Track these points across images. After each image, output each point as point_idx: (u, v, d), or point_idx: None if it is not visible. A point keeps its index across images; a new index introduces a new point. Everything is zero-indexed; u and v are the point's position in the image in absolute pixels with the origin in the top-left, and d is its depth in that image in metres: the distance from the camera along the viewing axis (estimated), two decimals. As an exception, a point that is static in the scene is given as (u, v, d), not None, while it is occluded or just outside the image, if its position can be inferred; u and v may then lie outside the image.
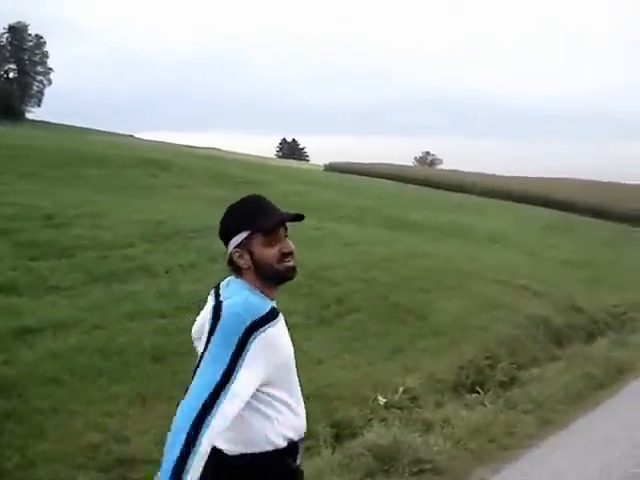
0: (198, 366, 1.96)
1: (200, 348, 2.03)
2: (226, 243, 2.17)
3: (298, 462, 2.17)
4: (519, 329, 8.37)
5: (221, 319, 1.99)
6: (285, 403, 2.10)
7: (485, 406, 5.53)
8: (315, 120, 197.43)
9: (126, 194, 15.18)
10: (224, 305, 2.03)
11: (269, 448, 2.06)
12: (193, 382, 1.92)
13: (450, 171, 49.65)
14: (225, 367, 1.91)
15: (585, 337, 9.26)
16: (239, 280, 2.14)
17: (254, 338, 1.96)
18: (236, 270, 2.15)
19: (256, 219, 2.10)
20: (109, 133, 69.31)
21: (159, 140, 61.43)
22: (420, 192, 33.88)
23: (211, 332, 1.98)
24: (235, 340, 1.94)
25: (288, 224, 2.17)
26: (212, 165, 24.82)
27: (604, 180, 42.77)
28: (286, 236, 2.16)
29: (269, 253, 2.09)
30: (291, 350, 2.15)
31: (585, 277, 16.30)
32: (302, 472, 2.22)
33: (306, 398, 2.29)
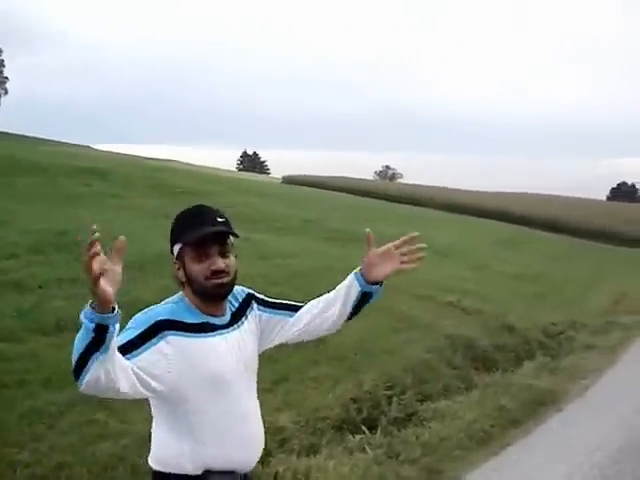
0: None
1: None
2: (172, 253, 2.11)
3: None
4: (433, 352, 7.42)
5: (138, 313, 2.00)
6: (199, 427, 1.98)
7: (366, 453, 4.53)
8: (278, 134, 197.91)
9: (46, 202, 14.27)
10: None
11: (175, 471, 1.97)
12: None
13: (409, 185, 49.38)
14: (131, 338, 1.91)
15: (513, 360, 8.33)
16: (180, 294, 2.09)
17: (163, 337, 1.93)
18: (179, 284, 2.10)
19: (187, 231, 2.02)
20: (65, 144, 67.56)
21: (115, 152, 60.06)
22: (374, 205, 33.17)
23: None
24: (144, 327, 1.94)
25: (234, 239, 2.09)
26: (156, 175, 23.92)
27: (562, 195, 42.83)
28: (225, 253, 2.05)
29: (197, 269, 2.02)
30: (224, 372, 2.02)
31: (531, 292, 15.70)
32: None
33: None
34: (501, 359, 8.23)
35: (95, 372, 1.67)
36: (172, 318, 1.98)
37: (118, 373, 1.75)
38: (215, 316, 2.07)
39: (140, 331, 1.93)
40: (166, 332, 1.94)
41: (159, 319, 1.96)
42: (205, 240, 2.01)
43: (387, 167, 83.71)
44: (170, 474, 1.98)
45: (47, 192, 15.42)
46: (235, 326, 2.12)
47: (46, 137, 69.82)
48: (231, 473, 2.03)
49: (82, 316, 1.67)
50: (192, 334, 1.97)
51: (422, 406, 5.79)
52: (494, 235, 28.54)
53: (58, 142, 67.23)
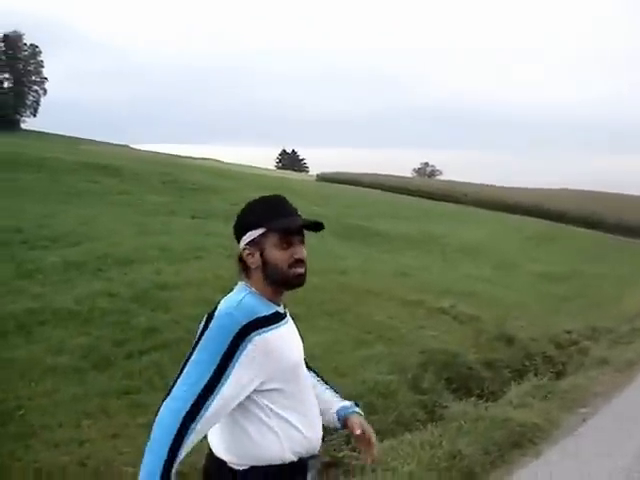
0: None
1: None
2: (238, 239, 2.07)
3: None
4: (398, 373, 6.08)
5: (213, 321, 1.91)
6: (290, 414, 1.98)
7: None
8: (318, 132, 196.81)
9: (33, 199, 14.01)
10: (218, 309, 1.96)
11: (274, 462, 1.95)
12: (178, 382, 1.84)
13: (444, 182, 48.28)
14: (215, 368, 1.85)
15: (506, 380, 6.90)
16: (242, 283, 2.05)
17: (249, 340, 1.90)
18: (244, 270, 2.06)
19: (274, 218, 2.00)
20: (104, 143, 68.31)
21: (154, 151, 60.21)
22: (403, 201, 32.27)
23: (200, 335, 1.90)
24: (227, 341, 1.88)
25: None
26: (170, 171, 23.53)
27: (603, 191, 41.25)
28: (302, 243, 2.04)
29: (281, 256, 1.99)
30: (298, 358, 2.07)
31: (556, 293, 14.73)
32: None
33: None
34: (490, 379, 6.84)
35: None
36: (253, 317, 1.93)
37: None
38: (278, 304, 2.07)
39: (224, 349, 1.87)
40: (251, 334, 1.91)
41: (242, 326, 1.90)
42: (293, 229, 2.01)
43: (426, 164, 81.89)
44: (269, 467, 1.96)
45: (43, 188, 15.46)
46: (287, 315, 2.13)
47: (84, 137, 70.70)
48: (316, 456, 2.08)
49: None
50: (271, 327, 1.96)
51: (353, 452, 4.29)
52: (527, 231, 27.41)
53: (97, 142, 67.92)
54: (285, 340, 2.02)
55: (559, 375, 7.50)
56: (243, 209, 2.09)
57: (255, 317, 1.93)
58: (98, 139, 72.96)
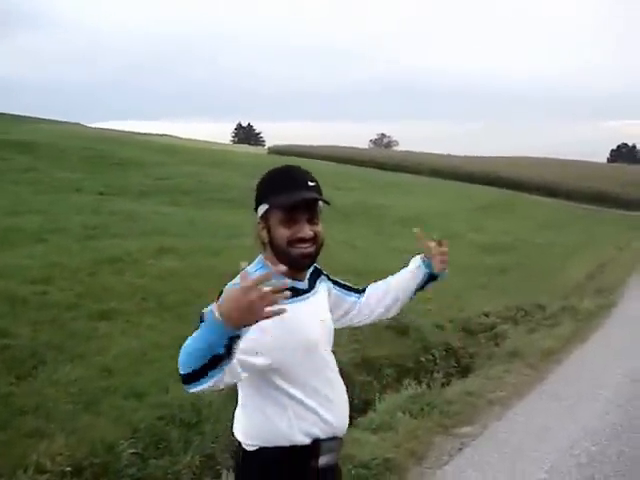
0: None
1: None
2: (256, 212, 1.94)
3: (323, 462, 1.87)
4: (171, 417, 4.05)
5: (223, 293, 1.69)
6: (304, 394, 1.86)
7: None
8: (276, 106, 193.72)
9: None
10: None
11: (282, 444, 1.84)
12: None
13: (398, 152, 47.30)
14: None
15: (386, 384, 5.45)
16: (260, 257, 1.93)
17: None
18: (261, 244, 1.93)
19: (277, 193, 1.84)
20: (53, 121, 65.58)
21: (107, 128, 57.97)
22: (352, 172, 30.99)
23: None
24: None
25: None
26: (97, 147, 22.09)
27: (558, 158, 40.58)
28: (313, 219, 1.86)
29: (283, 234, 1.85)
30: (318, 336, 1.92)
31: (495, 265, 13.61)
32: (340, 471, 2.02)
33: None
34: (363, 386, 5.28)
35: (212, 381, 1.57)
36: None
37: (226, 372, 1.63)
38: (299, 280, 1.90)
39: None
40: None
41: None
42: (296, 205, 1.83)
43: (382, 135, 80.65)
44: (278, 448, 1.84)
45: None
46: (313, 291, 1.97)
47: (42, 117, 67.65)
48: (335, 439, 1.92)
49: (209, 329, 1.50)
50: (285, 300, 1.63)
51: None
52: (480, 201, 26.42)
53: (44, 120, 65.11)
54: (302, 315, 1.86)
55: (464, 372, 6.08)
56: (258, 181, 1.93)
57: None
58: (50, 118, 70.15)
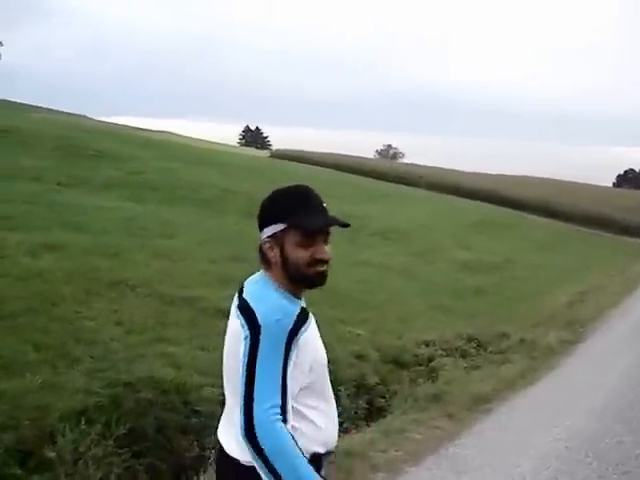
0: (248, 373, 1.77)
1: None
2: (260, 229, 1.94)
3: (322, 475, 1.90)
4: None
5: (262, 328, 1.78)
6: (311, 411, 1.89)
7: None
8: (287, 112, 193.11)
9: None
10: (257, 311, 1.81)
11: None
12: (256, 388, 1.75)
13: (402, 164, 46.43)
14: (280, 380, 1.78)
15: None
16: (267, 276, 1.91)
17: (297, 341, 1.82)
18: (265, 262, 1.93)
19: (298, 214, 1.85)
20: (58, 112, 65.07)
21: (109, 122, 57.21)
22: (346, 180, 30.04)
23: (254, 342, 1.76)
24: (283, 347, 1.80)
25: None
26: (72, 135, 21.20)
27: (561, 179, 39.63)
28: (326, 241, 1.90)
29: (301, 255, 1.85)
30: (324, 355, 1.97)
31: (474, 286, 12.64)
32: None
33: None
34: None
35: None
36: (295, 320, 1.82)
37: None
38: (300, 299, 1.94)
39: (283, 360, 1.78)
40: (297, 336, 1.82)
41: (289, 330, 1.80)
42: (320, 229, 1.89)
43: (389, 146, 79.41)
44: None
45: None
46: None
47: (43, 105, 67.04)
48: (332, 452, 2.01)
49: None
50: (305, 324, 1.86)
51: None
52: (474, 217, 25.38)
53: (49, 109, 64.54)
54: (313, 337, 1.91)
55: (376, 416, 5.07)
56: (267, 199, 1.94)
57: (294, 319, 1.82)
58: (55, 108, 69.60)
